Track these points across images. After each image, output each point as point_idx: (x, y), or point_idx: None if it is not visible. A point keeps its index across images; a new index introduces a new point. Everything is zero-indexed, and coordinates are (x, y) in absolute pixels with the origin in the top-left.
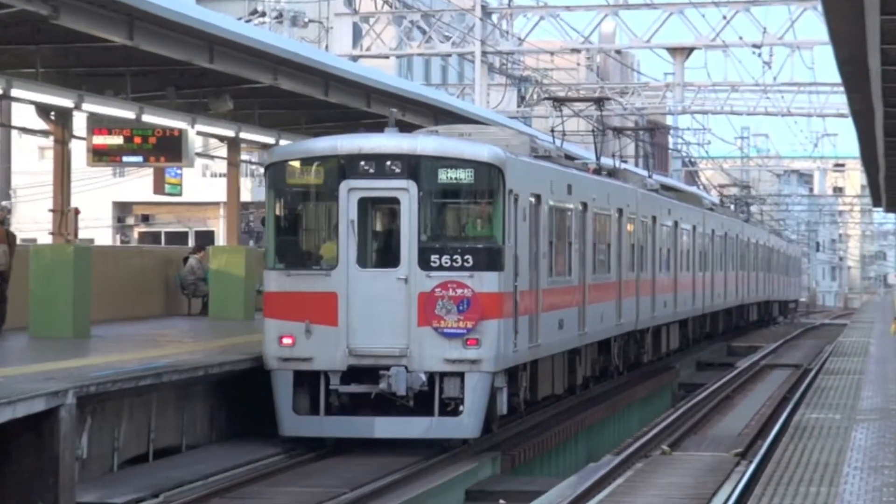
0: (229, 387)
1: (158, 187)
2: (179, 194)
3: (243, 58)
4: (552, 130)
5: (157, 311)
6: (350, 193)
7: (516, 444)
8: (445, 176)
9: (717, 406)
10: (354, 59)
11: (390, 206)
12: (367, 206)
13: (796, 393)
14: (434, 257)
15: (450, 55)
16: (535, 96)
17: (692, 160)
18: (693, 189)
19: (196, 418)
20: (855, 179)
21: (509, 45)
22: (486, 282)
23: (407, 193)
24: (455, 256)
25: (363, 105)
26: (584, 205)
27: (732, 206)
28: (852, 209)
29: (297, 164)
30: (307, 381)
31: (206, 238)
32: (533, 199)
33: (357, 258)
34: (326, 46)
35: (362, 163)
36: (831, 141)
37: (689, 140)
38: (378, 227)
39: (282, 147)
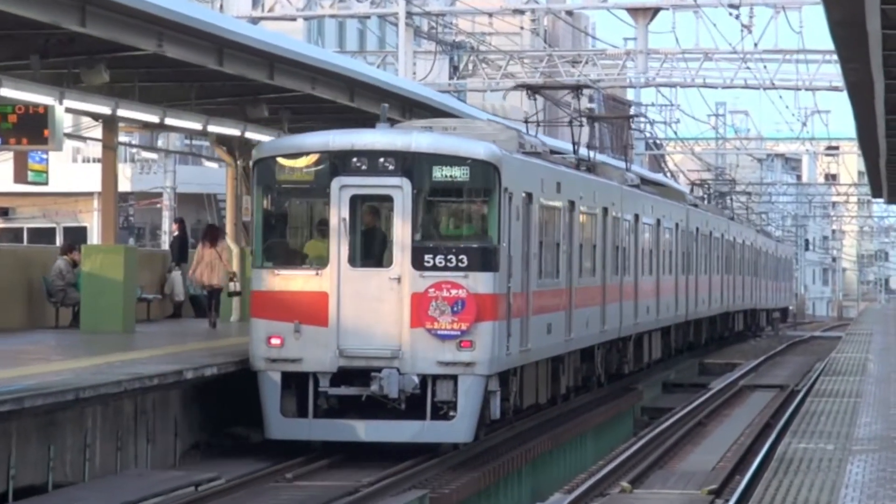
0: (107, 414)
1: (20, 175)
2: (45, 183)
3: (121, 20)
4: (526, 121)
5: (17, 322)
6: (342, 191)
7: (450, 481)
8: (440, 173)
9: (688, 435)
10: (255, 21)
11: (383, 204)
12: (359, 203)
13: (781, 419)
14: (428, 257)
15: (368, 17)
16: (470, 66)
17: (657, 142)
18: (672, 182)
19: (66, 451)
20: (851, 165)
21: (439, 6)
22: (482, 282)
23: (400, 191)
24: (449, 256)
25: (265, 77)
26: (572, 203)
27: (706, 198)
28: (848, 200)
29: (286, 160)
30: (295, 383)
31: (77, 235)
32: (524, 198)
33: (349, 257)
34: (221, 7)
35: (354, 159)
36: (823, 119)
37: (654, 118)
38: (370, 226)
39: (270, 142)
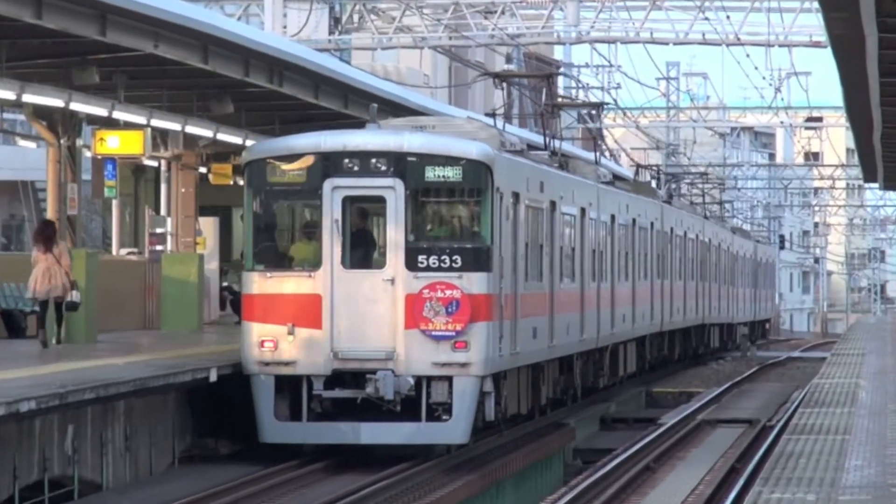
0: None
1: None
2: None
3: None
4: (493, 113)
5: None
6: (334, 192)
7: None
8: (433, 174)
9: (632, 483)
10: None
11: (376, 205)
12: (351, 204)
13: (750, 462)
14: (421, 257)
15: None
16: (355, 18)
17: (592, 113)
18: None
19: None
20: (838, 141)
21: None
22: (476, 283)
23: (393, 192)
24: (443, 257)
25: (95, 33)
26: (553, 204)
27: (654, 183)
28: (833, 186)
29: (277, 161)
30: (288, 386)
31: None
32: (513, 198)
33: (342, 259)
34: None
35: (346, 160)
36: (801, 84)
37: (589, 83)
38: (363, 227)
39: (261, 143)
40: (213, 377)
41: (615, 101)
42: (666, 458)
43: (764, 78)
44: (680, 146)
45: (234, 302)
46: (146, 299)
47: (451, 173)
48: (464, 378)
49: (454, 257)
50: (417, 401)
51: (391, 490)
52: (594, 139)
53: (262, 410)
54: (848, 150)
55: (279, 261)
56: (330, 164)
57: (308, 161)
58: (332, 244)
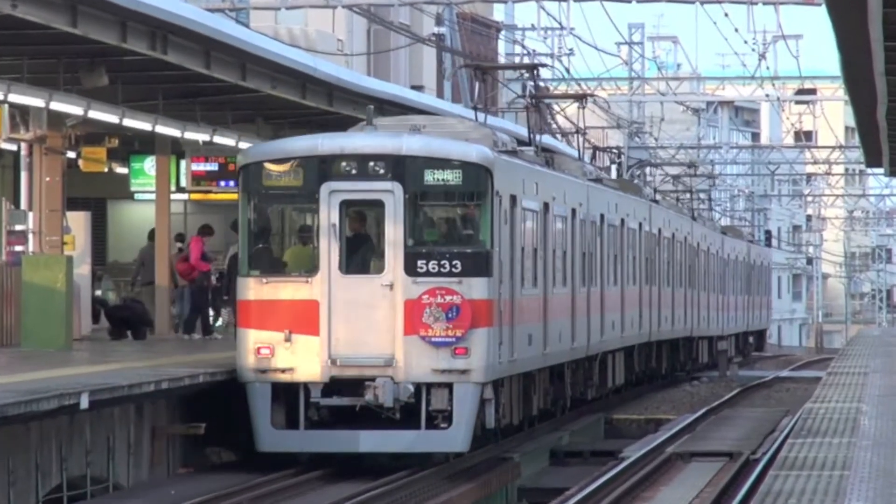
0: None
1: None
2: None
3: None
4: (475, 107)
5: None
6: (331, 196)
7: None
8: (432, 177)
9: None
10: None
11: (374, 209)
12: (349, 208)
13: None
14: (421, 262)
15: None
16: None
17: (538, 85)
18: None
19: None
20: (835, 117)
21: None
22: (476, 288)
23: (392, 195)
24: (443, 261)
25: None
26: (546, 205)
27: (614, 170)
28: (830, 172)
29: (273, 164)
30: (285, 394)
31: None
32: (510, 201)
33: (339, 264)
34: None
35: (344, 163)
36: (791, 49)
37: (536, 49)
38: (361, 231)
39: (257, 146)
40: (84, 404)
41: (566, 70)
42: (629, 500)
43: (746, 42)
44: (645, 125)
45: (109, 314)
46: (3, 310)
47: (451, 177)
48: (464, 385)
49: (454, 262)
50: (417, 408)
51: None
52: (538, 111)
53: (259, 419)
54: (847, 128)
55: (275, 266)
56: (327, 167)
57: (304, 164)
58: (329, 249)
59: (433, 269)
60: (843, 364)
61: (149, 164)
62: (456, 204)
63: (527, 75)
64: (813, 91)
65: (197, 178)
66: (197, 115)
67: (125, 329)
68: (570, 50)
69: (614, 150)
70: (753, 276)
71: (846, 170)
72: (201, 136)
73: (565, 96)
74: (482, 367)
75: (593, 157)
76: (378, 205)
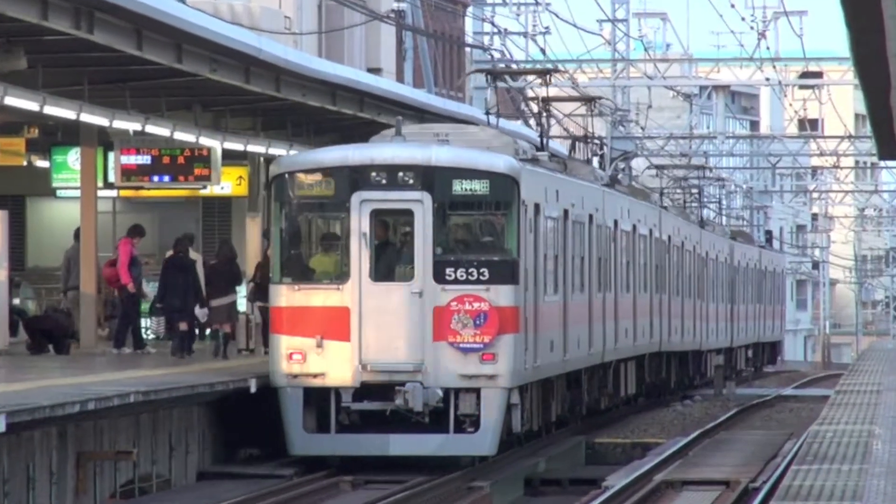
0: None
1: None
2: None
3: None
4: (487, 112)
5: None
6: (362, 205)
7: None
8: (460, 187)
9: None
10: None
11: (404, 218)
12: (379, 218)
13: None
14: (449, 270)
15: None
16: None
17: (505, 67)
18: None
19: None
20: (843, 104)
21: None
22: (503, 295)
23: (421, 205)
24: (471, 269)
25: None
26: (566, 212)
27: (595, 162)
28: (838, 165)
29: (305, 175)
30: (315, 399)
31: None
32: (534, 210)
33: (370, 272)
34: None
35: (374, 174)
36: (794, 27)
37: (507, 28)
38: (388, 239)
39: (288, 157)
40: (0, 427)
41: (542, 50)
42: None
43: (743, 19)
44: (630, 112)
45: (28, 325)
46: None
47: (479, 187)
48: (491, 390)
49: (482, 270)
50: (445, 412)
51: None
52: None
53: (291, 423)
54: (857, 116)
55: (307, 274)
56: (358, 177)
57: (335, 174)
58: (360, 257)
59: (461, 276)
60: (853, 381)
61: (73, 157)
62: (484, 213)
63: (497, 54)
64: (819, 74)
65: (127, 173)
66: (127, 102)
67: (46, 342)
68: (546, 28)
69: (596, 141)
70: (765, 284)
71: (856, 162)
72: (132, 126)
73: (529, 72)
74: (509, 373)
75: (572, 147)
76: (407, 214)
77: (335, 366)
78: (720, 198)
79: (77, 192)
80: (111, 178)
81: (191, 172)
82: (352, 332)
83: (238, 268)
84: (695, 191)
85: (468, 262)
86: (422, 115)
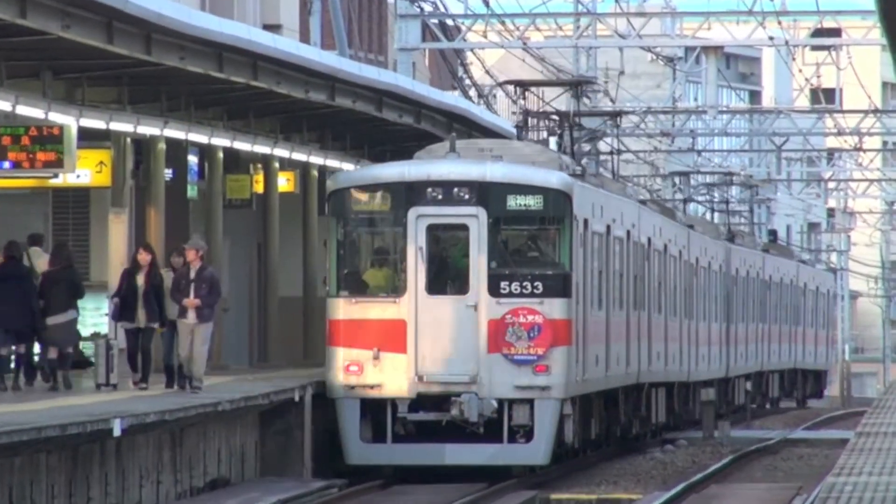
0: None
1: None
2: None
3: None
4: (516, 126)
5: None
6: (418, 220)
7: None
8: (514, 202)
9: None
10: None
11: (459, 233)
12: (435, 232)
13: None
14: (504, 284)
15: None
16: None
17: (445, 22)
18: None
19: None
20: (867, 70)
21: None
22: (557, 308)
23: (476, 220)
24: (525, 283)
25: None
26: (608, 228)
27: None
28: (861, 146)
29: (362, 191)
30: (371, 409)
31: None
32: (583, 225)
33: (426, 285)
34: None
35: (430, 189)
36: None
37: None
38: (441, 254)
39: (346, 173)
40: None
41: (485, 2)
42: None
43: None
44: (599, 79)
45: None
46: None
47: (533, 202)
48: (545, 401)
49: (535, 283)
50: (499, 423)
51: None
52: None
53: (348, 433)
54: (885, 84)
55: (363, 287)
56: (414, 192)
57: (392, 190)
58: (416, 271)
59: (515, 290)
60: (878, 420)
61: None
62: (537, 228)
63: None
64: (836, 32)
65: None
66: None
67: None
68: None
69: (553, 118)
70: (805, 304)
71: (884, 143)
72: None
73: (556, 83)
74: (562, 384)
75: (525, 124)
76: (462, 228)
77: (392, 377)
78: (751, 206)
79: None
80: None
81: (37, 157)
82: (408, 344)
83: (79, 277)
84: (718, 198)
85: (522, 275)
86: (332, 83)
